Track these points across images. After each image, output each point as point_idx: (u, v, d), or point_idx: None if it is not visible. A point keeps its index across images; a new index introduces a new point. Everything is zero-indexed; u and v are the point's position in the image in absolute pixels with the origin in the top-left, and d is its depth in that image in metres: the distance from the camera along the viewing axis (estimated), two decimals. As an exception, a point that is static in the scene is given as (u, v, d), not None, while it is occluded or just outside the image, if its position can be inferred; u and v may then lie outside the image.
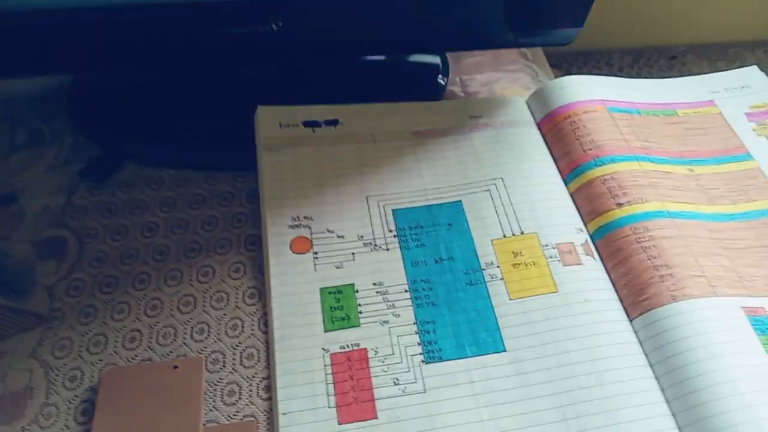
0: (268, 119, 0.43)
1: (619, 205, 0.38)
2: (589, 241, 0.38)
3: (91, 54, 0.41)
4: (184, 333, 0.35)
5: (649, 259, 0.35)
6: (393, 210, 0.39)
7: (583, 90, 0.45)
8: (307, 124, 0.43)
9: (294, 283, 0.35)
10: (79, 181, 0.42)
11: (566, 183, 0.42)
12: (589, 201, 0.40)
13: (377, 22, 0.42)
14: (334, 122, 0.44)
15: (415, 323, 0.34)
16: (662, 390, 0.31)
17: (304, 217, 0.39)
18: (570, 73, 0.59)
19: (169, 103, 0.46)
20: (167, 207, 0.41)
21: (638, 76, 0.62)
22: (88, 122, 0.45)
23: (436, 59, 0.50)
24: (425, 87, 0.49)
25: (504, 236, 0.38)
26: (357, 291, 0.35)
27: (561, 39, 0.46)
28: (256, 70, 0.47)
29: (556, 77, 0.54)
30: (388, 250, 0.37)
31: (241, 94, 0.46)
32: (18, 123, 0.46)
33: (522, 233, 0.38)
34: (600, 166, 0.40)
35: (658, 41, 0.66)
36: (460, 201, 0.40)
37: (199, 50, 0.42)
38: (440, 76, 0.49)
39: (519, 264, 0.37)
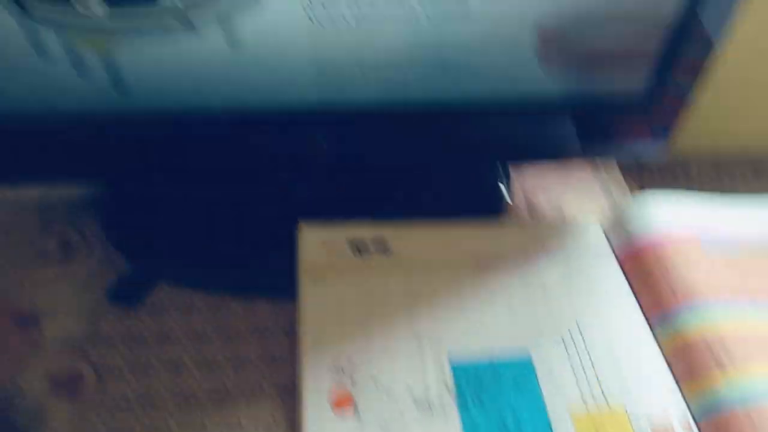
0: (311, 238, 0.39)
1: (722, 368, 0.32)
2: (690, 419, 0.31)
3: (127, 165, 0.38)
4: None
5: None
6: (451, 362, 0.34)
7: (671, 215, 0.40)
8: (353, 245, 0.39)
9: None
10: (106, 303, 0.38)
11: (653, 331, 0.36)
12: (685, 360, 0.33)
13: (434, 137, 0.38)
14: (382, 245, 0.39)
15: None
16: None
17: (347, 362, 0.34)
18: (643, 186, 0.53)
19: (205, 219, 0.42)
20: (198, 341, 0.36)
21: (721, 189, 0.56)
22: (120, 235, 0.42)
23: (497, 172, 0.45)
24: (485, 204, 0.44)
25: (584, 403, 0.32)
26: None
27: (643, 154, 0.41)
28: (302, 185, 0.43)
29: (632, 193, 0.49)
30: (444, 411, 0.31)
31: (282, 206, 0.42)
32: (48, 229, 0.43)
33: (607, 404, 0.32)
34: (696, 315, 0.34)
35: (742, 149, 0.60)
36: (529, 358, 0.34)
37: (241, 166, 0.38)
38: (502, 191, 0.44)
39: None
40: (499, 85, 0.34)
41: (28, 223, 0.44)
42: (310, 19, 0.28)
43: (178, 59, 0.30)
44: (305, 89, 0.32)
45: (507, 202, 0.44)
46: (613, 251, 0.40)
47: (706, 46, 0.34)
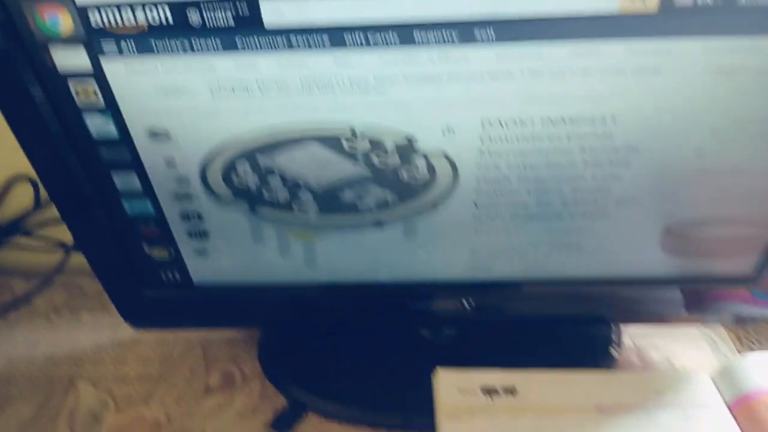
0: (447, 383, 0.44)
1: None
2: None
3: (290, 316, 0.45)
4: None
5: None
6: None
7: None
8: (485, 391, 0.43)
9: None
10: (266, 429, 0.44)
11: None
12: None
13: (558, 300, 0.43)
14: (512, 390, 0.44)
15: None
16: None
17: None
18: (741, 338, 0.56)
19: (352, 359, 0.49)
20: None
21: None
22: (275, 370, 0.49)
23: (608, 327, 0.50)
24: (599, 353, 0.49)
25: None
26: None
27: (746, 315, 0.45)
28: (438, 333, 0.49)
29: (736, 349, 0.52)
30: None
31: (422, 354, 0.48)
32: (212, 364, 0.50)
33: None
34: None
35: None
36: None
37: (391, 319, 0.45)
38: (613, 345, 0.48)
39: None
40: (618, 266, 0.40)
41: (194, 359, 0.51)
42: (475, 217, 0.36)
43: (360, 244, 0.37)
44: (458, 266, 0.39)
45: (616, 356, 0.49)
46: (725, 401, 0.44)
47: None
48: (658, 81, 0.29)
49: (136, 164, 0.33)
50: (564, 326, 0.50)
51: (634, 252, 0.39)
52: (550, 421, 0.42)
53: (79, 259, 0.50)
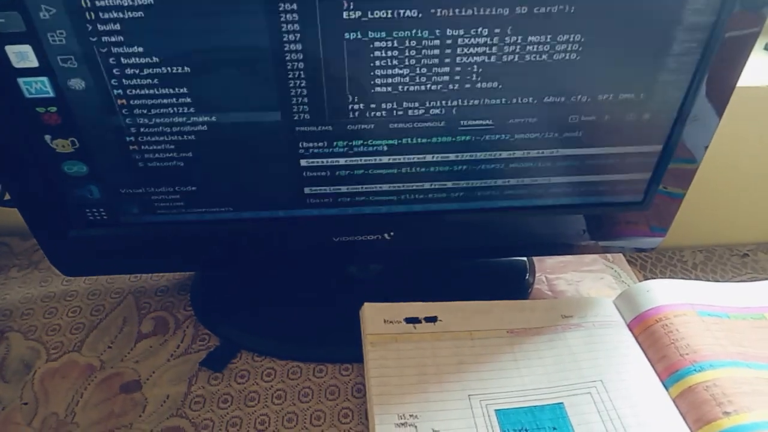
0: (374, 316, 0.47)
1: (726, 414, 0.39)
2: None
3: (218, 256, 0.47)
4: None
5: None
6: (496, 411, 0.40)
7: (671, 293, 0.48)
8: (408, 320, 0.47)
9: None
10: (198, 370, 0.45)
11: (666, 387, 0.42)
12: (694, 408, 0.40)
13: (474, 236, 0.47)
14: (433, 319, 0.47)
15: None
16: None
17: (410, 416, 0.40)
18: (645, 270, 0.62)
19: (282, 299, 0.51)
20: (278, 399, 0.43)
21: (712, 273, 0.65)
22: (208, 314, 0.50)
23: (523, 261, 0.54)
24: (514, 286, 0.53)
25: (612, 443, 0.38)
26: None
27: (643, 246, 0.50)
28: (363, 270, 0.52)
29: (637, 279, 0.57)
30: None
31: (348, 291, 0.51)
32: (144, 312, 0.51)
33: (632, 444, 0.38)
34: (700, 372, 0.41)
35: (728, 239, 0.69)
36: (562, 403, 0.41)
37: (315, 255, 0.47)
38: (527, 276, 0.52)
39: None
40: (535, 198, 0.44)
41: (126, 308, 0.52)
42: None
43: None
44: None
45: (530, 285, 0.53)
46: (625, 321, 0.48)
47: (690, 159, 0.44)
48: None
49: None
50: (483, 263, 0.54)
51: (539, 178, 0.43)
52: (466, 342, 0.45)
53: (5, 217, 0.50)
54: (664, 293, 0.48)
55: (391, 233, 0.45)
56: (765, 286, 0.51)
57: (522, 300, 0.50)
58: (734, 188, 0.64)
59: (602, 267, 0.55)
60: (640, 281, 0.58)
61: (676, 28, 0.35)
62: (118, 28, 0.33)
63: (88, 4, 0.32)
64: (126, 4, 0.32)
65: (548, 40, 0.35)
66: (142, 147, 0.38)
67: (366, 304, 0.47)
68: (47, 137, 0.37)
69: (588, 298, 0.52)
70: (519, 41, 0.35)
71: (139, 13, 0.32)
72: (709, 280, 0.63)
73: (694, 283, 0.50)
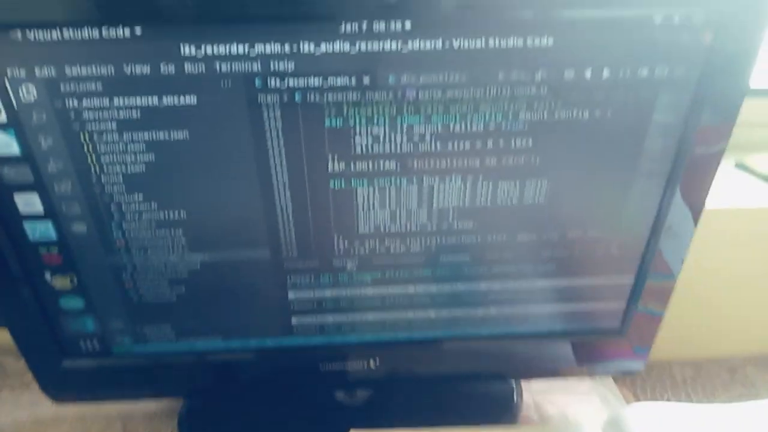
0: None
1: None
2: None
3: (206, 383, 0.47)
4: None
5: None
6: None
7: (657, 419, 0.48)
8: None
9: None
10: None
11: None
12: None
13: (459, 361, 0.48)
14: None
15: None
16: None
17: None
18: (634, 387, 0.62)
19: (270, 426, 0.51)
20: None
21: (702, 390, 0.64)
22: (194, 442, 0.50)
23: (510, 384, 0.54)
24: (502, 409, 0.53)
25: None
26: None
27: (628, 368, 0.51)
28: (351, 396, 0.52)
29: (623, 395, 0.57)
30: None
31: (336, 418, 0.51)
32: (131, 438, 0.51)
33: None
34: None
35: (717, 352, 0.69)
36: None
37: (302, 382, 0.48)
38: (515, 399, 0.53)
39: None
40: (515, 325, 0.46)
41: (113, 432, 0.52)
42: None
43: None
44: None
45: (517, 409, 0.53)
46: (613, 449, 0.48)
47: (668, 276, 0.45)
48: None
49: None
50: (470, 386, 0.54)
51: (518, 307, 0.44)
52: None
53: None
54: (652, 418, 0.48)
55: (377, 360, 0.46)
56: (751, 407, 0.51)
57: (509, 427, 0.50)
58: (719, 302, 0.65)
59: (590, 388, 0.56)
60: (628, 400, 0.58)
61: (638, 169, 0.38)
62: (121, 179, 0.36)
63: (94, 159, 0.35)
64: (129, 159, 0.35)
65: (517, 186, 0.38)
66: (138, 283, 0.40)
67: (352, 431, 0.47)
68: (47, 274, 0.39)
69: (576, 425, 0.51)
70: (490, 188, 0.38)
71: (141, 167, 0.35)
72: (699, 398, 0.63)
73: (682, 406, 0.50)
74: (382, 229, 0.39)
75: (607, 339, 0.47)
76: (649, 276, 0.43)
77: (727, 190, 0.60)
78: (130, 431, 0.51)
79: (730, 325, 0.67)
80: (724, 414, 0.50)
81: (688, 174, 0.38)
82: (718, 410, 0.50)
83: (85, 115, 0.33)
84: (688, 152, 0.37)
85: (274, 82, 0.33)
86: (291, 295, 0.42)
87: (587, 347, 0.48)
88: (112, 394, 0.48)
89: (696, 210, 0.40)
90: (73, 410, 0.53)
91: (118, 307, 0.41)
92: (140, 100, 0.33)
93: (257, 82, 0.33)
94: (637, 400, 0.60)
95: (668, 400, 0.61)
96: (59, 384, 0.45)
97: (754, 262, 0.62)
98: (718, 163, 0.38)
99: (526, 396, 0.54)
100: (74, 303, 0.40)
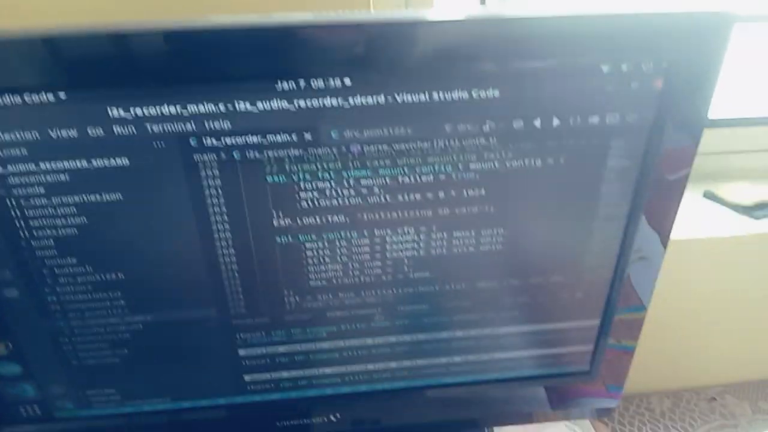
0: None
1: None
2: None
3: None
4: None
5: None
6: None
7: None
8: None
9: None
10: None
11: None
12: None
13: (424, 411, 0.46)
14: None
15: None
16: None
17: None
18: (612, 421, 0.60)
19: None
20: None
21: (680, 421, 0.63)
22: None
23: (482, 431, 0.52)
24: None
25: None
26: None
27: (602, 407, 0.49)
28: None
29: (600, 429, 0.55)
30: None
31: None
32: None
33: None
34: None
35: (695, 382, 0.68)
36: None
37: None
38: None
39: None
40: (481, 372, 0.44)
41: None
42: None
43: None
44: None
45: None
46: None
47: (638, 307, 0.44)
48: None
49: None
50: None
51: (482, 354, 0.43)
52: None
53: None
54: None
55: (337, 415, 0.44)
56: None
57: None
58: (695, 331, 0.65)
59: (564, 428, 0.54)
60: (604, 436, 0.56)
61: (596, 212, 0.37)
62: (51, 243, 0.34)
63: (22, 224, 0.33)
64: (59, 222, 0.33)
65: (473, 234, 0.37)
66: (77, 347, 0.38)
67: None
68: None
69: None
70: (445, 237, 0.37)
71: (72, 230, 0.33)
72: (678, 431, 0.61)
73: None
74: (334, 282, 0.38)
75: (577, 381, 0.46)
76: (617, 311, 0.42)
77: (696, 219, 0.59)
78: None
79: (707, 354, 0.66)
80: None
81: (653, 201, 0.37)
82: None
83: (10, 180, 0.31)
84: (650, 183, 0.36)
85: (210, 141, 0.31)
86: (242, 352, 0.40)
87: (559, 390, 0.47)
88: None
89: (664, 233, 0.39)
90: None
91: (58, 372, 0.39)
92: (68, 164, 0.31)
93: (192, 141, 0.31)
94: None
95: (646, 434, 0.59)
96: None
97: (726, 291, 0.61)
98: (681, 193, 0.37)
99: (498, 441, 0.52)
100: (10, 369, 0.38)
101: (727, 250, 0.58)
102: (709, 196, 0.63)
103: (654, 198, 0.37)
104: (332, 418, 0.44)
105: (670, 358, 0.65)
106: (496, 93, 0.31)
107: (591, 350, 0.44)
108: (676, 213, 0.38)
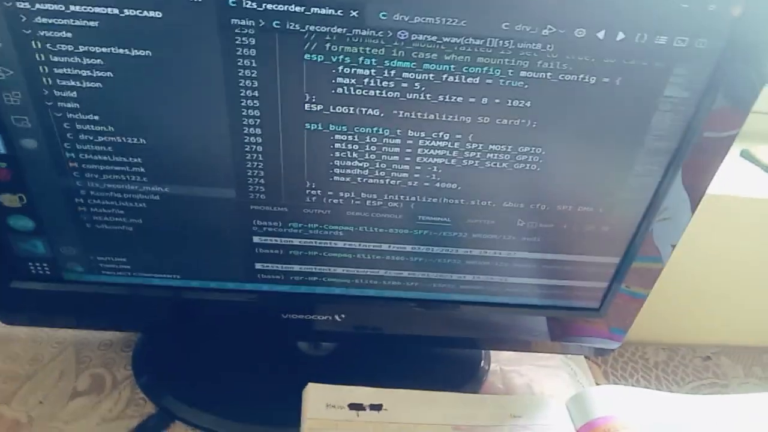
0: (316, 398, 0.45)
1: None
2: None
3: (163, 321, 0.45)
4: None
5: None
6: None
7: (623, 402, 0.47)
8: (352, 406, 0.45)
9: None
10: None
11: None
12: None
13: (428, 325, 0.46)
14: (377, 407, 0.45)
15: None
16: None
17: None
18: (605, 365, 0.61)
19: (226, 371, 0.49)
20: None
21: (672, 375, 0.64)
22: (148, 379, 0.48)
23: (478, 351, 0.53)
24: (468, 375, 0.51)
25: None
26: None
27: (602, 347, 0.49)
28: (314, 347, 0.51)
29: (593, 373, 0.56)
30: None
31: (296, 368, 0.49)
32: (83, 367, 0.49)
33: None
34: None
35: (692, 339, 0.68)
36: None
37: (264, 329, 0.46)
38: (482, 365, 0.51)
39: None
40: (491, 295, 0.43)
41: (64, 361, 0.50)
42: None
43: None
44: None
45: (484, 377, 0.52)
46: (574, 426, 0.47)
47: (655, 258, 0.43)
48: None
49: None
50: (438, 349, 0.53)
51: (495, 276, 0.42)
52: (410, 437, 0.44)
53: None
54: (616, 402, 0.47)
55: (342, 315, 0.44)
56: (716, 401, 0.50)
57: (472, 393, 0.49)
58: (704, 289, 0.64)
59: (559, 363, 0.54)
60: (597, 379, 0.57)
61: (641, 145, 0.35)
62: (75, 95, 0.32)
63: (46, 70, 0.31)
64: (84, 74, 0.31)
65: (509, 150, 0.35)
66: (91, 209, 0.37)
67: (310, 384, 0.46)
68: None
69: (540, 398, 0.50)
70: (480, 148, 0.35)
71: (97, 84, 0.32)
72: (669, 383, 0.62)
73: (647, 392, 0.49)
74: (358, 180, 0.36)
75: (585, 317, 0.45)
76: (636, 258, 0.41)
77: (729, 177, 0.57)
78: (83, 359, 0.50)
79: (711, 312, 0.66)
80: (687, 405, 0.49)
81: (692, 158, 0.35)
82: (683, 401, 0.49)
83: (38, 19, 0.29)
84: (696, 134, 0.34)
85: (250, 3, 0.29)
86: (256, 239, 0.39)
87: (563, 323, 0.46)
88: (63, 321, 0.46)
89: (695, 197, 0.37)
90: (26, 332, 0.51)
91: (70, 233, 0.38)
92: (99, 10, 0.29)
93: (231, 1, 0.29)
94: (607, 379, 0.59)
95: (638, 381, 0.60)
96: (8, 305, 0.43)
97: (746, 252, 0.60)
98: (726, 151, 0.35)
99: (493, 365, 0.53)
100: (22, 222, 0.38)
101: (754, 211, 0.56)
102: (746, 155, 0.61)
103: (694, 152, 0.35)
104: (336, 318, 0.44)
105: (674, 311, 0.64)
106: (564, -7, 0.28)
107: (604, 288, 0.44)
108: (713, 174, 0.36)
